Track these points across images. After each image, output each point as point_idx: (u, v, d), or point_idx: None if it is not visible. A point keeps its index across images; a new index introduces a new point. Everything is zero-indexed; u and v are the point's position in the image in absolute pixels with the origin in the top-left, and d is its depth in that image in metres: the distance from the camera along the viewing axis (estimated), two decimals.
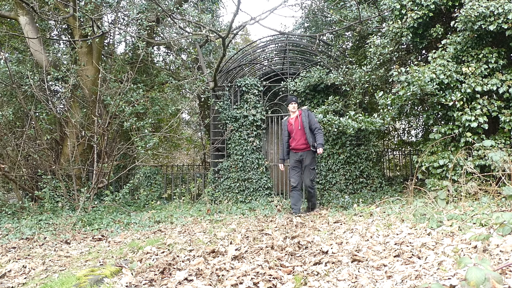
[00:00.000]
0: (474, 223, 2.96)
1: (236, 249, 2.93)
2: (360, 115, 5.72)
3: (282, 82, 7.50)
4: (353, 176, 6.87)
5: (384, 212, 4.38)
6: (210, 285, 2.23)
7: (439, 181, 4.74)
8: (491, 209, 3.34)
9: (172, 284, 2.27)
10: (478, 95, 4.93)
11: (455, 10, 5.41)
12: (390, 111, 5.63)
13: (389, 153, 9.64)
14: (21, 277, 2.73)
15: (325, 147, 6.90)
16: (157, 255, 3.10)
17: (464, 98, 4.93)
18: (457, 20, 5.02)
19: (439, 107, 5.20)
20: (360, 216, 4.41)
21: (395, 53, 6.14)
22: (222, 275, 2.37)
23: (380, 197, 5.98)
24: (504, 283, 1.66)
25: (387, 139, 10.30)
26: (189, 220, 5.18)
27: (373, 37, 6.37)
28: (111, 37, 8.81)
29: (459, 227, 2.91)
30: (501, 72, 5.02)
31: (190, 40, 8.90)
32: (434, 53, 5.30)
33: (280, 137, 7.59)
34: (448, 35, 5.39)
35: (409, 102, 5.42)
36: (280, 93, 7.77)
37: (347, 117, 5.72)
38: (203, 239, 3.64)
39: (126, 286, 2.31)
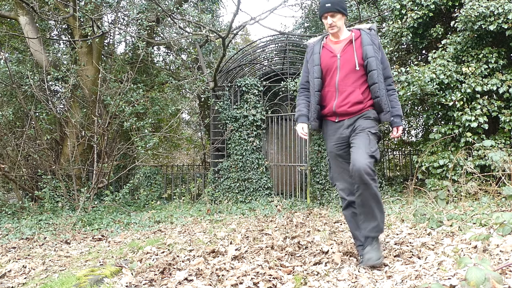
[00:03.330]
0: (474, 223, 2.96)
1: (236, 249, 2.93)
2: None
3: (282, 82, 7.50)
4: None
5: (384, 212, 4.37)
6: (210, 285, 2.23)
7: (439, 181, 4.74)
8: (491, 209, 3.34)
9: (172, 284, 2.27)
10: (478, 95, 4.93)
11: (455, 10, 5.41)
12: None
13: (389, 153, 9.64)
14: (21, 277, 2.73)
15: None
16: (157, 255, 3.10)
17: (464, 98, 4.93)
18: (457, 20, 5.02)
19: (439, 107, 5.20)
20: None
21: (395, 53, 6.14)
22: (222, 275, 2.37)
23: None
24: (504, 283, 1.66)
25: (387, 139, 10.29)
26: (189, 220, 5.18)
27: None
28: (111, 37, 8.81)
29: (459, 227, 2.91)
30: (501, 72, 5.03)
31: (190, 40, 8.90)
32: (434, 53, 5.30)
33: (281, 137, 7.58)
34: (448, 35, 5.39)
35: (409, 102, 5.42)
36: (280, 93, 7.77)
37: None
38: (203, 239, 3.65)
39: (126, 286, 2.31)
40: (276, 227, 4.23)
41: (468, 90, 4.82)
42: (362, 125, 2.40)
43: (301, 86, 2.66)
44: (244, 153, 7.04)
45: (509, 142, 4.78)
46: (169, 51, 9.89)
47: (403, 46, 6.41)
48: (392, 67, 6.06)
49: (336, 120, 2.49)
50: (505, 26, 4.62)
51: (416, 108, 6.17)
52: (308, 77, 2.59)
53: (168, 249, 3.28)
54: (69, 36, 7.85)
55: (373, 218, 2.28)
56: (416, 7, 5.46)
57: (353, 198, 2.39)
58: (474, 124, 4.73)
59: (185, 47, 9.47)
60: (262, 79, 7.87)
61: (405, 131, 10.32)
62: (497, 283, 1.38)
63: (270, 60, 8.95)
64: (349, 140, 2.45)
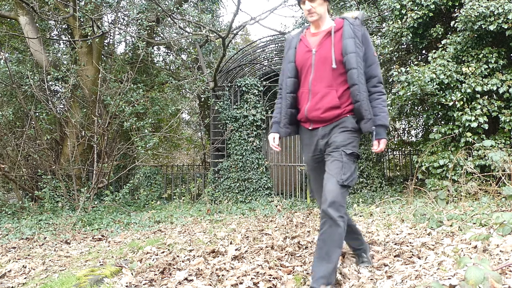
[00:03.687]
0: (474, 223, 2.96)
1: (236, 249, 2.93)
2: None
3: None
4: None
5: (384, 212, 4.38)
6: (210, 285, 2.23)
7: (439, 181, 4.74)
8: (491, 209, 3.34)
9: (172, 284, 2.27)
10: (478, 95, 4.93)
11: (455, 10, 5.41)
12: (390, 111, 5.63)
13: (389, 153, 9.64)
14: (21, 277, 2.73)
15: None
16: (157, 255, 3.10)
17: (464, 98, 4.93)
18: (457, 20, 5.02)
19: (439, 107, 5.20)
20: (360, 216, 4.41)
21: (395, 53, 6.14)
22: (222, 275, 2.37)
23: (380, 197, 5.98)
24: (504, 283, 1.66)
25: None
26: (189, 220, 5.18)
27: (373, 37, 6.37)
28: (111, 37, 8.81)
29: (459, 227, 2.91)
30: (501, 72, 5.03)
31: (190, 40, 8.91)
32: (434, 53, 5.31)
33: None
34: (448, 35, 5.39)
35: (409, 102, 5.42)
36: None
37: None
38: (203, 239, 3.64)
39: (126, 286, 2.31)
40: (276, 227, 4.23)
41: (468, 90, 4.82)
42: (337, 142, 2.00)
43: (279, 87, 2.27)
44: (244, 153, 7.04)
45: (509, 142, 4.78)
46: (169, 51, 9.89)
47: (403, 46, 6.41)
48: (392, 67, 6.05)
49: (310, 128, 2.12)
50: (505, 26, 4.62)
51: (416, 108, 6.17)
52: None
53: (168, 249, 3.28)
54: (69, 36, 7.85)
55: (328, 261, 1.86)
56: (416, 7, 5.46)
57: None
58: (474, 124, 4.73)
59: (185, 47, 9.47)
60: (262, 79, 7.87)
61: (405, 131, 10.32)
62: (496, 282, 1.38)
63: (270, 60, 8.95)
64: (322, 154, 2.11)
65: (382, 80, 2.08)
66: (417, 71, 4.97)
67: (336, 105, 2.02)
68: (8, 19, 7.89)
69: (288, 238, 3.44)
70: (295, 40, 2.19)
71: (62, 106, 7.82)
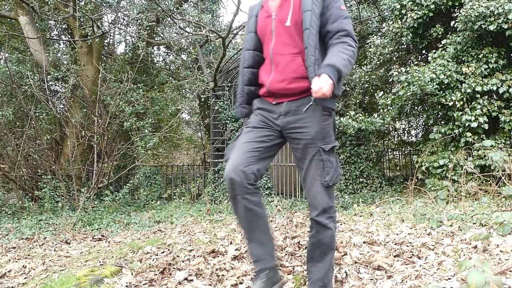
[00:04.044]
0: (474, 223, 2.96)
1: (236, 249, 2.93)
2: (360, 115, 5.72)
3: None
4: (353, 176, 6.87)
5: (384, 212, 4.38)
6: (210, 285, 2.23)
7: (439, 181, 4.75)
8: (491, 209, 3.34)
9: (172, 284, 2.27)
10: (478, 95, 4.94)
11: (455, 10, 5.42)
12: (390, 111, 5.63)
13: (389, 153, 9.64)
14: (21, 277, 2.73)
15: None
16: (157, 255, 3.10)
17: (464, 98, 4.93)
18: (457, 20, 5.02)
19: (439, 107, 5.21)
20: (360, 216, 4.41)
21: (395, 53, 6.15)
22: (222, 275, 2.37)
23: (380, 197, 5.98)
24: (505, 284, 1.67)
25: (387, 139, 10.30)
26: (189, 220, 5.18)
27: (373, 37, 6.38)
28: (111, 37, 8.82)
29: (459, 227, 2.91)
30: (501, 72, 5.03)
31: (190, 40, 8.90)
32: (434, 53, 5.31)
33: None
34: (448, 35, 5.39)
35: (409, 102, 5.42)
36: None
37: (347, 117, 5.72)
38: (203, 239, 3.64)
39: (126, 286, 2.31)
40: (276, 227, 4.23)
41: (468, 90, 4.83)
42: (311, 134, 1.68)
43: (243, 61, 1.94)
44: None
45: (509, 142, 4.79)
46: (169, 51, 9.90)
47: (403, 46, 6.41)
48: (392, 67, 6.05)
49: (274, 102, 1.78)
50: (505, 26, 4.62)
51: (416, 108, 6.17)
52: None
53: (168, 249, 3.28)
54: (69, 36, 7.85)
55: (322, 261, 1.78)
56: (416, 7, 5.46)
57: (241, 181, 1.63)
58: (474, 124, 4.74)
59: (185, 47, 9.47)
60: None
61: (405, 131, 10.32)
62: (497, 286, 1.39)
63: None
64: (279, 135, 1.78)
65: (353, 35, 1.70)
66: (417, 71, 4.97)
67: (302, 74, 1.70)
68: (8, 19, 7.89)
69: (288, 238, 3.44)
70: (257, 7, 1.88)
71: (62, 106, 7.83)
